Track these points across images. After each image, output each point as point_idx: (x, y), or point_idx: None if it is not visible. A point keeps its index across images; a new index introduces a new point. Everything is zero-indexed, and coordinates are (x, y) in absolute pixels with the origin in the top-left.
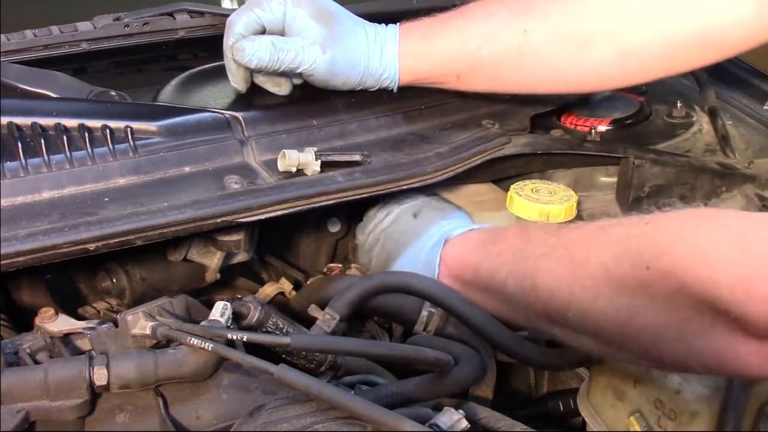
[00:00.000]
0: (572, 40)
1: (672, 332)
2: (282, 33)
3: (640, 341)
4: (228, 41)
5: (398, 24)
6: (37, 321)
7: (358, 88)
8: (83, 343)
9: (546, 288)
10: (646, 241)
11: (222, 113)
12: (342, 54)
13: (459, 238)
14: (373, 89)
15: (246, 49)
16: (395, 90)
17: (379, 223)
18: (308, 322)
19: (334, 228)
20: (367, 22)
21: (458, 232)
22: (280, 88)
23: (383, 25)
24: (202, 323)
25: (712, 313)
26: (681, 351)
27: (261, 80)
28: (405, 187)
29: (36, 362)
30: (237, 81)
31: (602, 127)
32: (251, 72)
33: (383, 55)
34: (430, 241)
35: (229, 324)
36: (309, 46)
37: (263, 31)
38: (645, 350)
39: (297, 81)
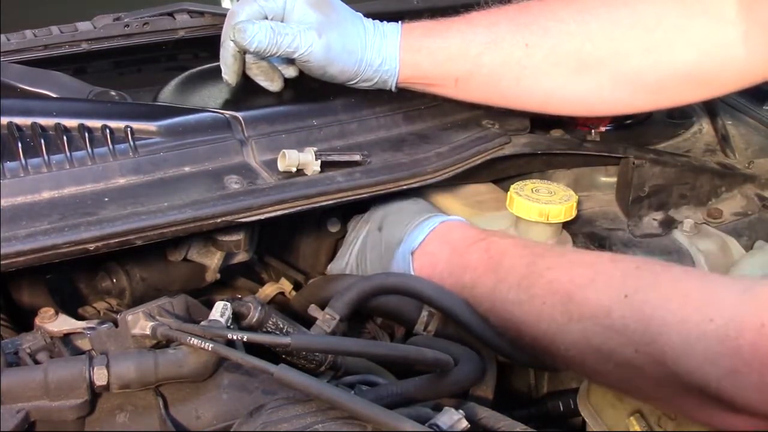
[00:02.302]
0: (570, 61)
1: (663, 399)
2: (281, 21)
3: (631, 395)
4: (228, 29)
5: (400, 22)
6: (37, 321)
7: (356, 79)
8: (83, 343)
9: (530, 337)
10: (629, 321)
11: (222, 113)
12: (338, 39)
13: (423, 254)
14: (372, 82)
15: (247, 30)
16: (394, 86)
17: (353, 245)
18: (308, 322)
19: (334, 228)
20: (366, 18)
21: (419, 241)
22: (273, 83)
23: (384, 22)
24: (202, 323)
25: (702, 395)
26: (673, 409)
27: (254, 72)
28: (405, 187)
29: (36, 362)
30: (229, 73)
31: (602, 127)
32: (244, 65)
33: (383, 47)
34: (395, 254)
35: (229, 324)
36: (305, 30)
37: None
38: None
39: (290, 74)
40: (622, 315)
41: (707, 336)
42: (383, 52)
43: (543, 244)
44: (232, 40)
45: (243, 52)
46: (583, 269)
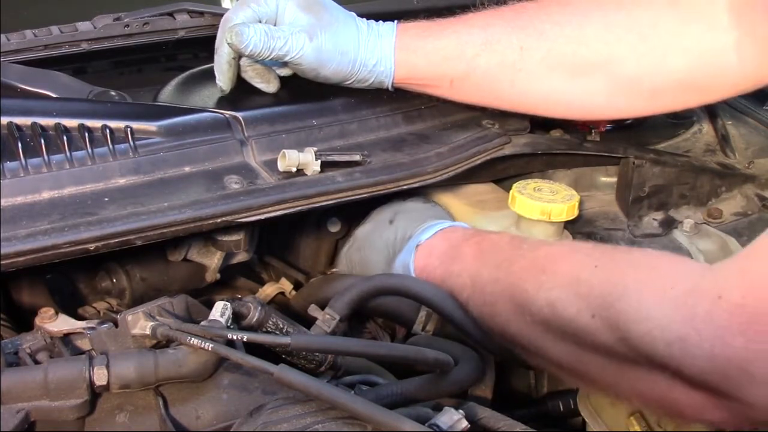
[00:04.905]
0: (565, 65)
1: (614, 374)
2: (274, 25)
3: (586, 376)
4: (222, 37)
5: (395, 21)
6: (37, 321)
7: (351, 80)
8: (83, 343)
9: (501, 318)
10: (593, 288)
11: (222, 113)
12: (330, 41)
13: (425, 246)
14: (368, 83)
15: (244, 33)
16: (390, 85)
17: (360, 230)
18: (308, 322)
19: (334, 228)
20: (360, 18)
21: (426, 237)
22: (269, 84)
23: (380, 22)
24: (202, 323)
25: (651, 365)
26: (626, 390)
27: (250, 75)
28: (405, 187)
29: (36, 362)
30: (224, 80)
31: (602, 127)
32: (239, 68)
33: (378, 47)
34: (403, 247)
35: (229, 324)
36: (297, 33)
37: None
38: (594, 383)
39: (285, 73)
40: (589, 282)
41: (664, 302)
42: (378, 53)
43: (534, 237)
44: (229, 43)
45: (238, 57)
46: (563, 248)
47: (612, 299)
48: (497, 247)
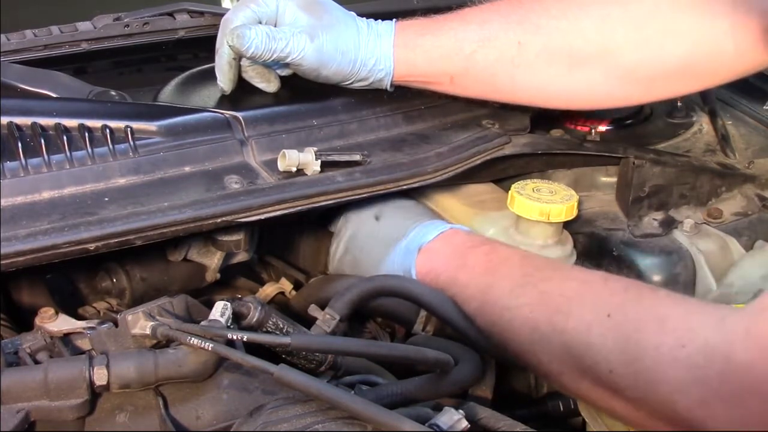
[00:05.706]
0: (563, 58)
1: (637, 420)
2: (274, 26)
3: (611, 414)
4: (223, 38)
5: (394, 20)
6: (37, 321)
7: (351, 80)
8: (83, 343)
9: (514, 345)
10: (608, 340)
11: (222, 113)
12: (331, 41)
13: (428, 250)
14: (368, 82)
15: (245, 35)
16: (389, 85)
17: (342, 231)
18: (308, 322)
19: (335, 228)
20: (360, 17)
21: (428, 240)
22: (269, 84)
23: (378, 21)
24: (202, 323)
25: (674, 424)
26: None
27: (250, 75)
28: (405, 187)
29: (36, 362)
30: (225, 81)
31: (602, 127)
32: (240, 68)
33: (377, 46)
34: (397, 247)
35: (229, 324)
36: (297, 34)
37: None
38: (618, 420)
39: (285, 72)
40: (602, 333)
41: (678, 363)
42: (377, 52)
43: (545, 258)
44: (230, 45)
45: (239, 58)
46: (574, 284)
47: (628, 358)
48: (508, 267)
